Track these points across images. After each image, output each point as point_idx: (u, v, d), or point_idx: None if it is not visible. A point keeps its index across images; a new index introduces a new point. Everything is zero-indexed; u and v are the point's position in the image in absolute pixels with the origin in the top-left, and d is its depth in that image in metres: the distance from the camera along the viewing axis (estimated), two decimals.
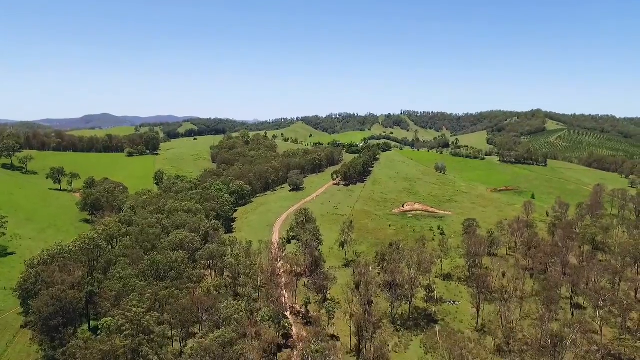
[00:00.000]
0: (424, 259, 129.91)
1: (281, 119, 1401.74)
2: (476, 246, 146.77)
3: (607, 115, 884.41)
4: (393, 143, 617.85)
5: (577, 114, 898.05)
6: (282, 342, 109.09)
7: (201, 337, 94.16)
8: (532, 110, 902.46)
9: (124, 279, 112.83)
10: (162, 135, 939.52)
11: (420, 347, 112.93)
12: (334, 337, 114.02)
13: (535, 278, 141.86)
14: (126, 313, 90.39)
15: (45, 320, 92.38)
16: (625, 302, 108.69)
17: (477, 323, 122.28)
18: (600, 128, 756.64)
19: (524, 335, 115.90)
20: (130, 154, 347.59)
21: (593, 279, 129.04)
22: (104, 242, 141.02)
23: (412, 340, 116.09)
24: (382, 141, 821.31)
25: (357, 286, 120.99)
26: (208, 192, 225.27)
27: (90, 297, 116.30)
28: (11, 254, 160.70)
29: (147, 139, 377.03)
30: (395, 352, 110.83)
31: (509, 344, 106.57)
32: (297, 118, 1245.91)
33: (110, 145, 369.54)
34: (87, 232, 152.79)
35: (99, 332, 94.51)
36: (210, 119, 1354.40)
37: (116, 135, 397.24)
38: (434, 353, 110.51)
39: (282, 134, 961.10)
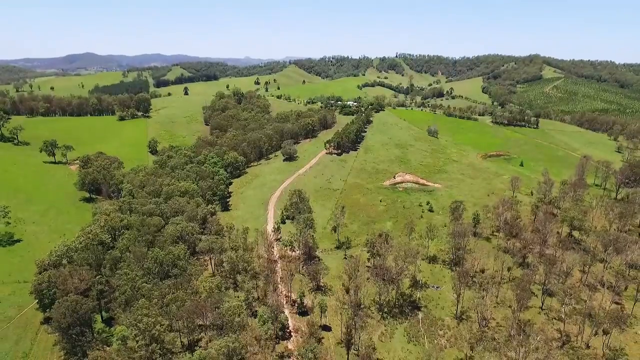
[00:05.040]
0: (410, 253, 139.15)
1: (273, 61, 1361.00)
2: (461, 233, 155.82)
3: (607, 62, 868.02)
4: (387, 95, 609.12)
5: (576, 59, 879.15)
6: (280, 333, 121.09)
7: (207, 344, 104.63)
8: (530, 55, 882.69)
9: (132, 281, 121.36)
10: (151, 81, 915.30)
11: (404, 336, 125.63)
12: (326, 328, 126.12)
13: (514, 264, 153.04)
14: (138, 324, 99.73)
15: (65, 330, 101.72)
16: (587, 301, 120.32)
17: (456, 310, 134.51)
18: (597, 76, 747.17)
19: (497, 324, 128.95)
20: (122, 118, 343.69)
21: (566, 270, 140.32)
22: (107, 236, 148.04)
23: (396, 329, 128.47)
24: (376, 88, 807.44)
25: (347, 291, 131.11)
26: (203, 167, 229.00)
27: (101, 293, 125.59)
28: (18, 241, 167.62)
29: (137, 100, 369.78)
30: (381, 341, 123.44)
31: (482, 337, 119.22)
32: (290, 61, 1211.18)
33: (100, 108, 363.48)
34: (90, 224, 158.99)
35: (113, 338, 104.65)
36: (200, 61, 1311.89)
37: (105, 97, 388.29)
38: (416, 342, 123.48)
39: (274, 80, 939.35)
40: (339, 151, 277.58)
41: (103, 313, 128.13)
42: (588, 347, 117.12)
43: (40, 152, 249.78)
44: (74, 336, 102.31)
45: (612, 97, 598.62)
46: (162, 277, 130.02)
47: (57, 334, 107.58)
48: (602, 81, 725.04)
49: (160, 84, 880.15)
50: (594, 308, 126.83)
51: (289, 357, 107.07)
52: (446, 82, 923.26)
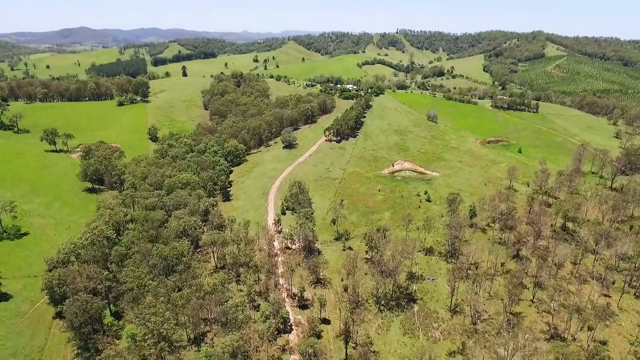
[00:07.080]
0: (407, 248, 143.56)
1: (272, 37, 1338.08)
2: (457, 226, 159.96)
3: (611, 38, 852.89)
4: (387, 74, 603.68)
5: (580, 36, 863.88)
6: (281, 327, 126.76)
7: (211, 340, 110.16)
8: (533, 32, 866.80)
9: (138, 278, 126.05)
10: (148, 59, 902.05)
11: (400, 329, 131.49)
12: (325, 321, 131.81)
13: (508, 257, 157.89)
14: (147, 323, 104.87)
15: (77, 328, 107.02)
16: (575, 295, 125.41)
17: (451, 303, 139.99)
18: (601, 54, 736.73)
19: (489, 316, 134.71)
20: (121, 103, 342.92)
21: (557, 262, 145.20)
22: (112, 232, 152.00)
23: (393, 321, 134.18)
24: (376, 66, 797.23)
25: (345, 289, 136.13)
26: (204, 157, 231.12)
27: (109, 289, 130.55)
28: (25, 234, 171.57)
29: (136, 84, 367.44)
30: (378, 334, 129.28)
31: (474, 331, 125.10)
32: (289, 37, 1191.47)
33: (98, 92, 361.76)
34: (94, 219, 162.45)
35: (123, 332, 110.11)
36: (197, 37, 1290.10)
37: (104, 82, 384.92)
38: (411, 334, 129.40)
39: (273, 57, 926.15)
40: (338, 138, 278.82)
41: (111, 307, 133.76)
42: (574, 339, 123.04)
43: (41, 140, 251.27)
44: (85, 334, 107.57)
45: (614, 77, 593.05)
46: (167, 273, 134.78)
47: (69, 332, 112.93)
48: (606, 59, 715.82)
49: (157, 62, 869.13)
50: (582, 302, 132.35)
51: (290, 352, 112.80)
52: (447, 59, 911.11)
